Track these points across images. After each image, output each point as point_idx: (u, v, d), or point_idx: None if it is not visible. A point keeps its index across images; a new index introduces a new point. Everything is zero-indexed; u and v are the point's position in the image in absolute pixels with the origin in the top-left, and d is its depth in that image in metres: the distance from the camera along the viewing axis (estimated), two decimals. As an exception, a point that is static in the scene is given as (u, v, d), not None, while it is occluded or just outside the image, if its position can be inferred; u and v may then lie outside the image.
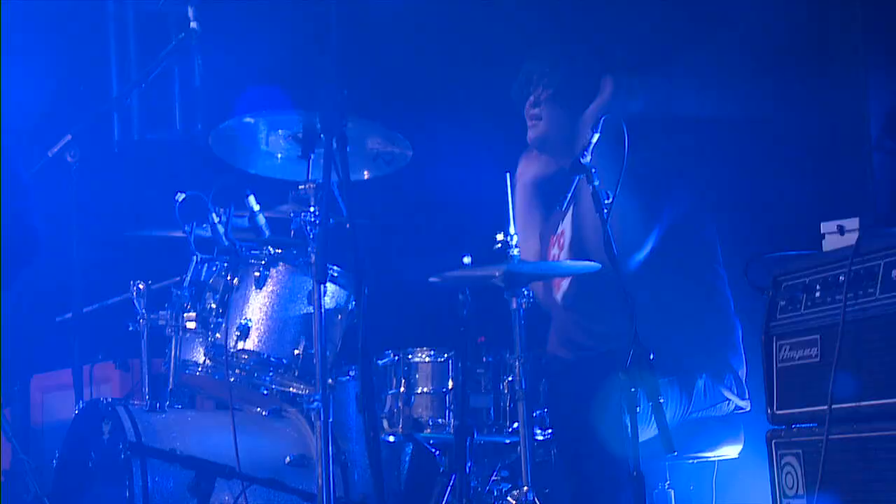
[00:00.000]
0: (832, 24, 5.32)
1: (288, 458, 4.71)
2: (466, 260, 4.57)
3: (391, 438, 4.67)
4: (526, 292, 4.55)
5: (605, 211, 4.23)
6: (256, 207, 4.87)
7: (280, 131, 4.64)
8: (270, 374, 4.73)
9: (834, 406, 3.55)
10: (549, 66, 5.17)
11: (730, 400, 4.91)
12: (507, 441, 4.56)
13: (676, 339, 4.79)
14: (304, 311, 4.65)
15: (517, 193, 5.21)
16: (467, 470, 4.27)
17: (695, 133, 5.41)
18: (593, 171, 4.27)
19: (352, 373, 4.86)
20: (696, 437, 4.81)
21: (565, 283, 5.11)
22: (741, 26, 5.54)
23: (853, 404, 3.55)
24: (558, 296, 5.15)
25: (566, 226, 5.14)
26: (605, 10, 5.86)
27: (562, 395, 4.57)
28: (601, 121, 4.42)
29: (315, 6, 4.23)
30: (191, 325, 4.82)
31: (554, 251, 5.19)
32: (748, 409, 4.95)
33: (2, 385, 6.33)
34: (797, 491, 3.71)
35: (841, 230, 3.71)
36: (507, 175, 4.72)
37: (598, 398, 4.51)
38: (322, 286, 4.22)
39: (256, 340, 4.69)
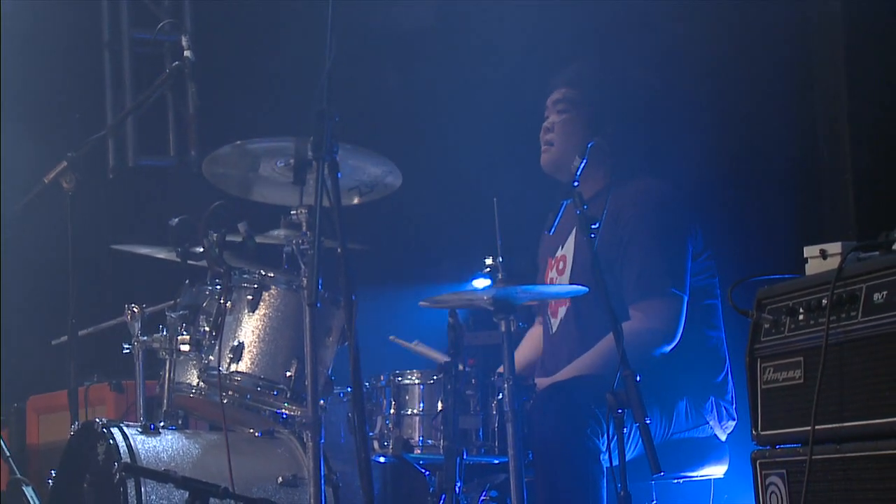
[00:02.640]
0: (815, 52, 5.33)
1: (280, 479, 4.67)
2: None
3: (382, 459, 4.65)
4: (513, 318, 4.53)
5: (593, 235, 4.26)
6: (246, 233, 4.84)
7: (272, 158, 4.62)
8: (263, 395, 4.70)
9: (817, 427, 3.53)
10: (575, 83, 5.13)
11: (710, 423, 4.90)
12: (496, 461, 4.53)
13: (660, 365, 4.77)
14: (297, 334, 4.62)
15: None
16: (457, 490, 4.24)
17: (684, 161, 5.41)
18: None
19: (343, 394, 4.84)
20: (680, 456, 4.80)
21: (562, 311, 5.08)
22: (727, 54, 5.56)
23: (836, 425, 3.53)
24: (554, 324, 5.11)
25: (567, 251, 5.11)
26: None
27: (543, 417, 4.54)
28: (588, 147, 4.42)
29: (307, 33, 4.22)
30: (184, 347, 4.80)
31: (552, 274, 5.17)
32: (723, 438, 4.93)
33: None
34: (782, 510, 3.69)
35: (823, 254, 3.69)
36: (495, 200, 4.70)
37: (572, 419, 4.51)
38: (313, 309, 4.20)
39: (249, 362, 4.66)
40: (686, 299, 4.83)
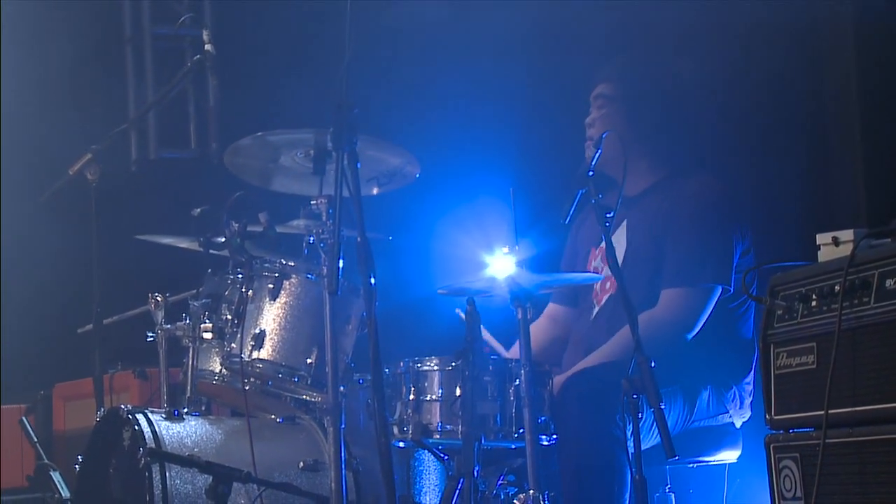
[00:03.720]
0: (825, 40, 5.31)
1: (302, 464, 4.69)
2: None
3: (401, 444, 4.65)
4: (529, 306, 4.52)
5: (608, 224, 4.26)
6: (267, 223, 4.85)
7: (292, 149, 4.63)
8: (284, 382, 4.71)
9: (830, 411, 3.53)
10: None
11: (730, 412, 4.90)
12: (514, 446, 4.53)
13: (685, 354, 4.77)
14: (317, 322, 4.62)
15: None
16: (475, 474, 4.24)
17: (696, 150, 5.40)
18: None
19: (363, 381, 4.84)
20: (697, 442, 4.80)
21: (606, 297, 5.07)
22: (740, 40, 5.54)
23: (849, 409, 3.53)
24: (594, 311, 5.09)
25: (618, 242, 5.09)
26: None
27: (570, 403, 4.54)
28: (602, 137, 4.42)
29: (326, 26, 4.22)
30: (207, 335, 4.81)
31: (595, 263, 5.16)
32: (738, 425, 4.93)
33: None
34: (795, 493, 3.68)
35: (836, 241, 3.68)
36: (511, 190, 4.69)
37: (600, 406, 4.50)
38: (333, 297, 4.20)
39: (270, 350, 4.67)
40: (719, 292, 4.82)
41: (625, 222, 5.06)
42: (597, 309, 5.09)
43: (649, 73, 5.12)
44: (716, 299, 4.83)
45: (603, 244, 5.08)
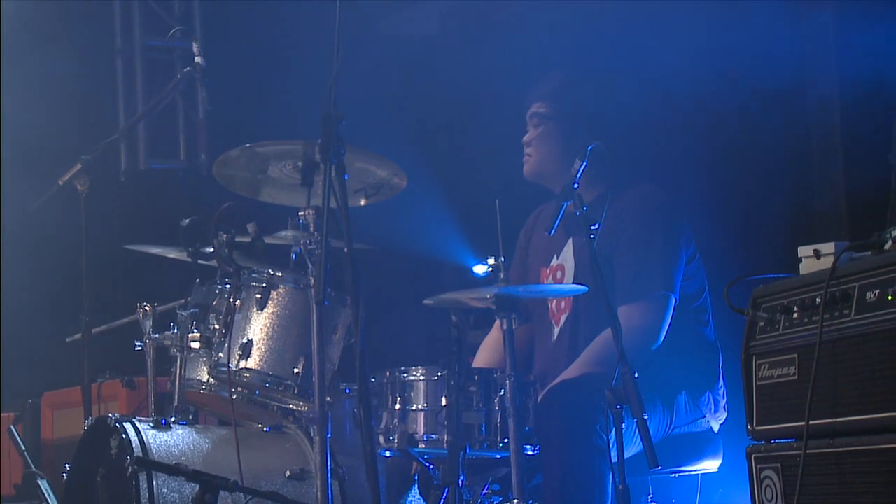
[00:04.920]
0: (807, 53, 5.33)
1: (288, 472, 4.68)
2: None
3: (387, 453, 4.64)
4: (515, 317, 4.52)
5: (592, 236, 4.27)
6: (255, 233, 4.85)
7: (280, 160, 4.62)
8: (271, 391, 4.71)
9: (811, 422, 3.53)
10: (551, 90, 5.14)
11: (706, 417, 4.91)
12: (498, 456, 4.53)
13: (658, 361, 4.77)
14: (304, 331, 4.62)
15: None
16: (460, 483, 4.24)
17: (677, 164, 5.42)
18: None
19: (349, 390, 4.83)
20: (678, 451, 4.81)
21: (563, 318, 5.07)
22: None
23: (829, 420, 3.53)
24: (555, 331, 5.09)
25: (565, 260, 5.10)
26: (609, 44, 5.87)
27: (553, 414, 4.54)
28: (588, 150, 4.43)
29: (314, 39, 4.22)
30: (195, 345, 4.80)
31: (547, 283, 5.15)
32: (716, 429, 4.94)
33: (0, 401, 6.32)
34: (776, 503, 3.69)
35: (817, 254, 3.69)
36: (497, 202, 4.70)
37: (581, 416, 4.50)
38: (321, 307, 4.20)
39: (258, 359, 4.66)
40: (674, 300, 4.84)
41: (570, 240, 5.06)
42: (556, 329, 5.08)
43: (582, 91, 5.12)
44: (673, 306, 4.83)
45: (553, 263, 5.11)
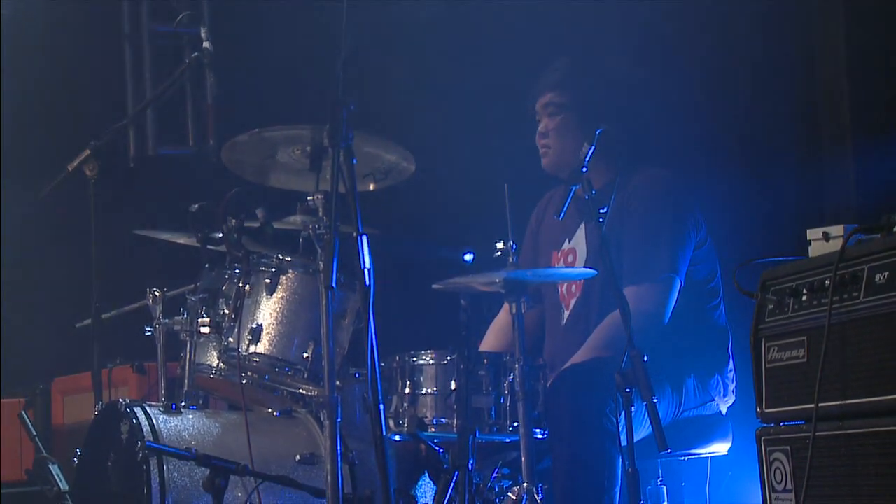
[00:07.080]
0: (815, 34, 5.32)
1: (298, 457, 4.69)
2: (468, 257, 4.55)
3: (397, 437, 4.66)
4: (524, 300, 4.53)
5: (601, 220, 4.27)
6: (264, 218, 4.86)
7: (289, 145, 4.63)
8: (281, 376, 4.72)
9: (820, 404, 3.54)
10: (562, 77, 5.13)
11: (715, 400, 4.92)
12: (508, 440, 4.54)
13: (667, 344, 4.77)
14: (313, 316, 4.63)
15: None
16: (470, 467, 4.26)
17: (688, 147, 5.41)
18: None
19: (359, 375, 4.85)
20: (687, 434, 4.81)
21: (573, 302, 5.07)
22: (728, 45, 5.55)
23: (838, 402, 3.54)
24: (565, 315, 5.10)
25: (577, 244, 5.10)
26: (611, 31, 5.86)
27: (563, 398, 4.55)
28: (597, 133, 4.42)
29: (323, 23, 4.22)
30: (205, 330, 4.81)
31: (559, 266, 5.15)
32: (724, 412, 4.95)
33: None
34: (785, 486, 3.70)
35: (826, 237, 3.70)
36: (506, 186, 4.70)
37: (591, 399, 4.51)
38: (330, 292, 4.20)
39: (267, 344, 4.68)
40: (679, 283, 4.83)
41: (583, 224, 5.06)
42: (567, 313, 5.09)
43: (592, 77, 5.11)
44: (678, 288, 4.83)
45: (565, 247, 5.11)
